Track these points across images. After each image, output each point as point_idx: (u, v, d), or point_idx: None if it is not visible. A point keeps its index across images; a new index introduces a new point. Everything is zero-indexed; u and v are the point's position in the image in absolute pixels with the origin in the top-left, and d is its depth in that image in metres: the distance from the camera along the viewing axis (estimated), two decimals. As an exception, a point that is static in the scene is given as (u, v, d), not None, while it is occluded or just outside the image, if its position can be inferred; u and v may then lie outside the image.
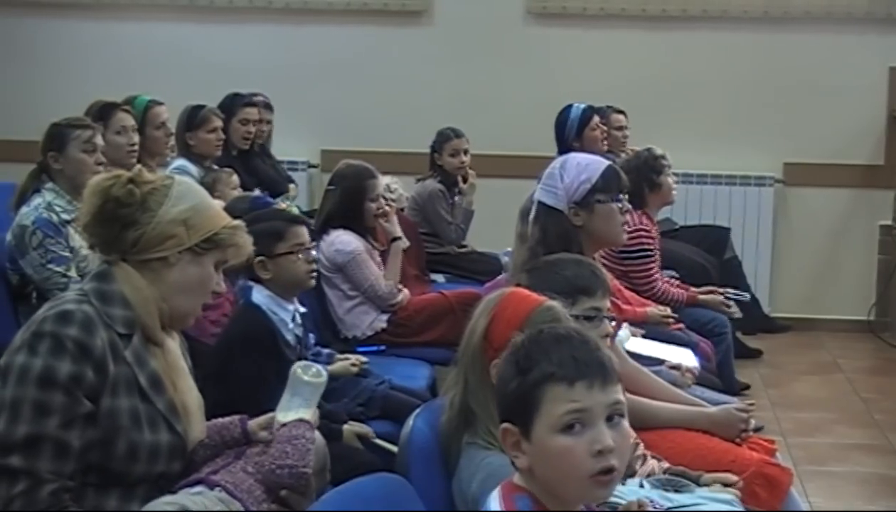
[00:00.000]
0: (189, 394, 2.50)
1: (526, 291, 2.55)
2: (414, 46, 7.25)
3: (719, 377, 4.58)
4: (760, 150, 7.07)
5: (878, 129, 7.06)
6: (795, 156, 7.08)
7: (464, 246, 6.02)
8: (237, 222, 2.54)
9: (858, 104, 7.04)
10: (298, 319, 3.48)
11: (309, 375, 2.67)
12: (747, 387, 5.59)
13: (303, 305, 3.58)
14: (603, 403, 1.91)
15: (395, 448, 2.75)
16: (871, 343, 6.85)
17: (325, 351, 4.03)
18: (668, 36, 7.10)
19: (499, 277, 3.85)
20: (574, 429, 1.89)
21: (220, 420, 2.63)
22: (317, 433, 2.69)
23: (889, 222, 6.99)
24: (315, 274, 3.56)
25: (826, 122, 7.04)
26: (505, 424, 1.96)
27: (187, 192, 2.48)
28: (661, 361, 3.90)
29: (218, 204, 2.72)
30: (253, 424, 2.62)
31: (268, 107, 6.25)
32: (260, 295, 3.41)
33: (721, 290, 5.24)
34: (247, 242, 2.53)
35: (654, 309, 4.72)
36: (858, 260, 7.12)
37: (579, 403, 1.89)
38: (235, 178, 5.08)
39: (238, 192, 4.90)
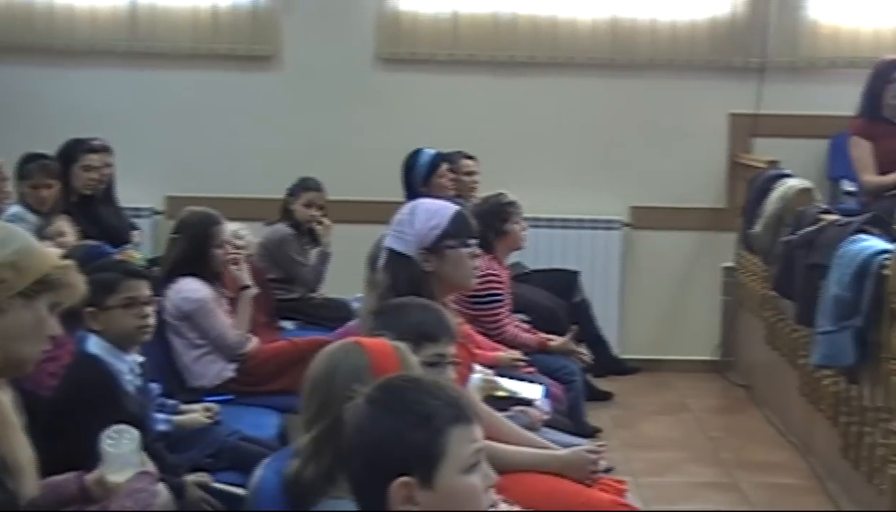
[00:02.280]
0: (21, 450, 2.39)
1: (380, 341, 2.51)
2: (262, 91, 7.19)
3: (570, 420, 4.62)
4: (608, 194, 7.20)
5: (720, 173, 7.26)
6: (642, 200, 7.24)
7: (313, 293, 5.95)
8: (67, 262, 2.45)
9: (701, 149, 7.24)
10: (137, 370, 3.38)
11: (114, 443, 2.59)
12: (599, 430, 5.64)
13: (146, 354, 3.48)
14: (483, 440, 1.97)
15: (240, 491, 2.68)
16: (717, 382, 7.00)
17: (170, 402, 3.92)
18: (517, 81, 7.20)
19: (349, 324, 3.81)
20: (475, 467, 1.93)
21: (57, 477, 2.52)
22: (161, 486, 2.60)
23: (731, 264, 7.18)
24: (149, 330, 3.46)
25: (671, 167, 7.22)
26: (403, 478, 1.90)
27: (10, 237, 2.39)
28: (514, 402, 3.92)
29: (54, 252, 2.63)
30: (90, 479, 2.52)
31: (107, 150, 6.09)
32: (95, 344, 3.31)
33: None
34: (79, 282, 2.44)
35: (504, 353, 4.74)
36: (703, 301, 7.29)
37: (480, 442, 1.94)
38: (71, 227, 4.93)
39: (75, 241, 4.75)
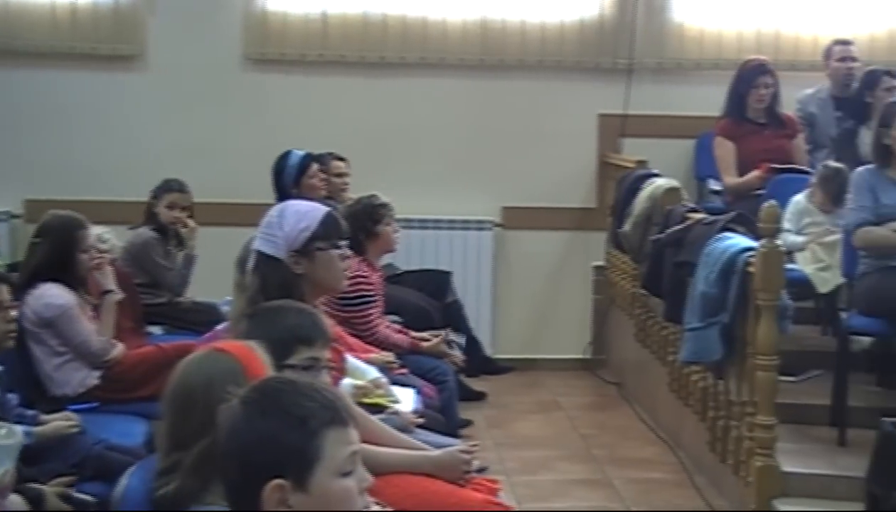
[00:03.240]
0: None
1: (239, 344, 2.45)
2: (126, 92, 7.03)
3: (443, 421, 4.61)
4: (479, 195, 7.22)
5: (590, 173, 7.34)
6: (513, 200, 7.27)
7: (179, 297, 5.83)
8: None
9: (571, 150, 7.30)
10: (-6, 379, 3.26)
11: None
12: (468, 423, 5.63)
13: (2, 363, 3.35)
14: (359, 443, 1.97)
15: (90, 498, 2.60)
16: (588, 380, 7.07)
17: (30, 412, 3.79)
18: (388, 82, 7.17)
19: (217, 328, 3.73)
20: (350, 470, 1.92)
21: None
22: (17, 497, 2.50)
23: (602, 263, 7.26)
24: (13, 334, 3.34)
25: (541, 167, 7.27)
26: (277, 481, 1.87)
27: None
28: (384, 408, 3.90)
29: None
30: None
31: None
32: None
33: (441, 331, 5.32)
34: None
35: (377, 355, 4.71)
36: (574, 300, 7.36)
37: (356, 444, 1.93)
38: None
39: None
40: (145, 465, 2.51)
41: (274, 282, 3.28)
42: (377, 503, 2.90)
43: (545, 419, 6.24)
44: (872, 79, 6.37)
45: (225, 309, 4.31)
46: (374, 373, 4.25)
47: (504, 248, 7.31)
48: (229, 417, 1.95)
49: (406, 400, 4.12)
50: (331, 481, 1.90)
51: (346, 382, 3.76)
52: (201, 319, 5.29)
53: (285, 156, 6.11)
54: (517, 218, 7.28)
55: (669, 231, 5.41)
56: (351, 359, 4.14)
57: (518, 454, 5.55)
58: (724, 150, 6.45)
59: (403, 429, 3.67)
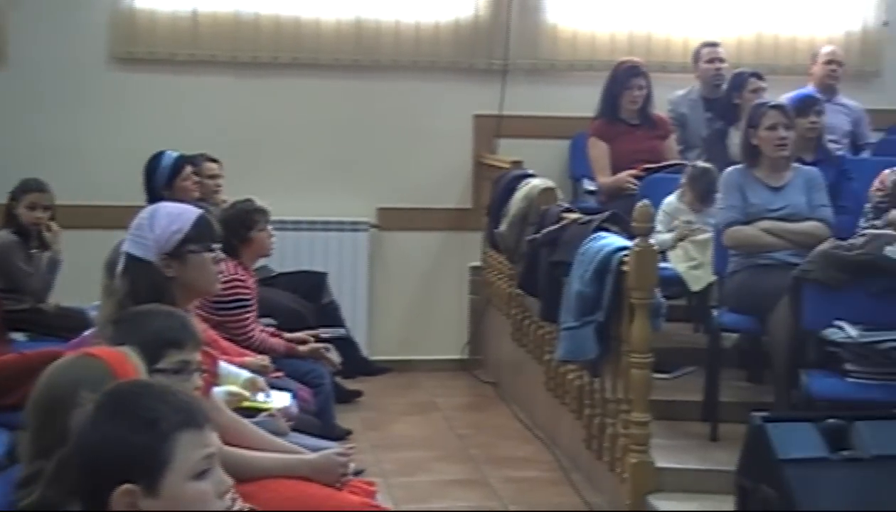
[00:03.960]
0: None
1: (110, 349, 2.39)
2: (-15, 89, 6.80)
3: (320, 424, 4.57)
4: (355, 196, 7.17)
5: (466, 173, 7.35)
6: (389, 201, 7.24)
7: (42, 302, 5.66)
8: None
9: (447, 150, 7.30)
10: None
11: None
12: (349, 433, 5.59)
13: None
14: (216, 446, 1.95)
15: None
16: (465, 380, 7.08)
17: None
18: (261, 82, 7.07)
19: (84, 334, 3.62)
20: (205, 473, 1.89)
21: None
22: None
23: (478, 263, 7.28)
24: None
25: (417, 168, 7.26)
26: (126, 486, 1.85)
27: None
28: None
29: None
30: None
31: None
32: None
33: (314, 331, 5.28)
34: None
35: (252, 359, 4.64)
36: (451, 301, 7.36)
37: (212, 447, 1.91)
38: None
39: None
40: (6, 476, 2.41)
41: (144, 285, 3.20)
42: (252, 509, 2.86)
43: (422, 420, 6.22)
44: (740, 81, 6.50)
45: (93, 314, 4.20)
46: (247, 375, 4.19)
47: (380, 249, 7.28)
48: (80, 421, 1.93)
49: (281, 403, 4.07)
50: (183, 485, 1.88)
51: (220, 389, 3.70)
52: (68, 324, 5.13)
53: (157, 157, 5.98)
54: (393, 219, 7.25)
55: (545, 231, 5.44)
56: (223, 364, 4.07)
57: (395, 456, 5.52)
58: (598, 151, 6.53)
59: (278, 432, 3.63)
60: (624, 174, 6.32)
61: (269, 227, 5.25)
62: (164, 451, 1.87)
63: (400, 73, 7.21)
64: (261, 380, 4.19)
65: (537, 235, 5.54)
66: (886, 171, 5.21)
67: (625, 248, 4.57)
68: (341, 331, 5.51)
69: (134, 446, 1.86)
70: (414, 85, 7.23)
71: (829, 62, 7.02)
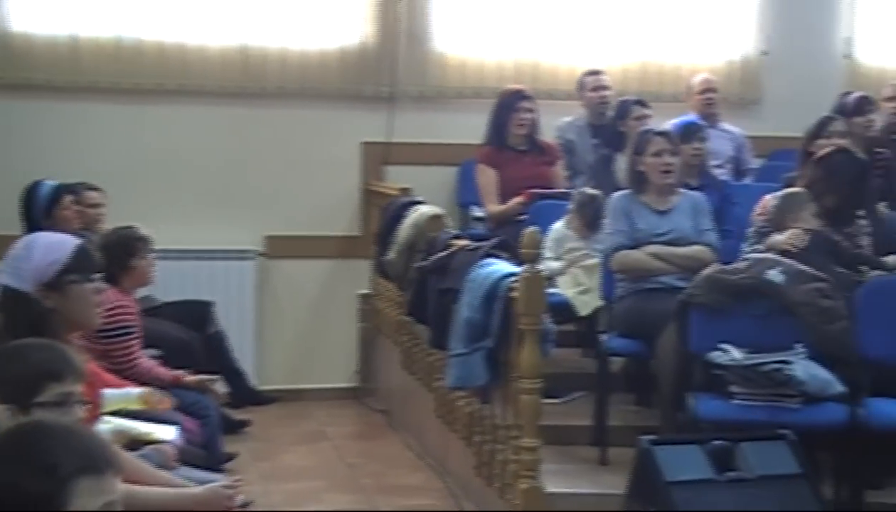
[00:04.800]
0: None
1: None
2: None
3: (207, 456, 4.48)
4: (242, 224, 7.08)
5: (354, 201, 7.32)
6: (276, 229, 7.16)
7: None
8: None
9: (335, 177, 7.26)
10: None
11: None
12: (233, 456, 5.48)
13: None
14: (118, 492, 1.90)
15: None
16: (355, 409, 7.02)
17: None
18: (144, 109, 6.94)
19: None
20: None
21: None
22: None
23: (367, 291, 7.24)
24: None
25: (305, 196, 7.20)
26: None
27: None
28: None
29: None
30: None
31: None
32: None
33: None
34: None
35: (137, 390, 4.52)
36: (341, 329, 7.30)
37: (112, 495, 1.84)
38: None
39: None
40: None
41: (22, 318, 3.14)
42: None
43: (311, 450, 6.15)
44: (625, 108, 6.60)
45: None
46: (138, 391, 4.12)
47: (267, 278, 7.19)
48: None
49: (167, 436, 3.98)
50: None
51: (105, 426, 3.62)
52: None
53: (34, 187, 5.84)
54: (280, 247, 7.17)
55: (433, 258, 5.43)
56: (109, 391, 3.98)
57: (284, 487, 5.44)
58: (486, 178, 6.55)
59: (164, 465, 3.55)
60: (513, 202, 6.36)
61: (151, 255, 5.14)
62: (61, 497, 1.79)
63: (287, 101, 7.15)
64: (156, 394, 4.12)
65: (426, 263, 5.53)
66: (768, 197, 5.31)
67: (513, 274, 4.57)
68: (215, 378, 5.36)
69: (28, 494, 1.78)
70: (301, 112, 7.18)
71: (703, 91, 7.18)
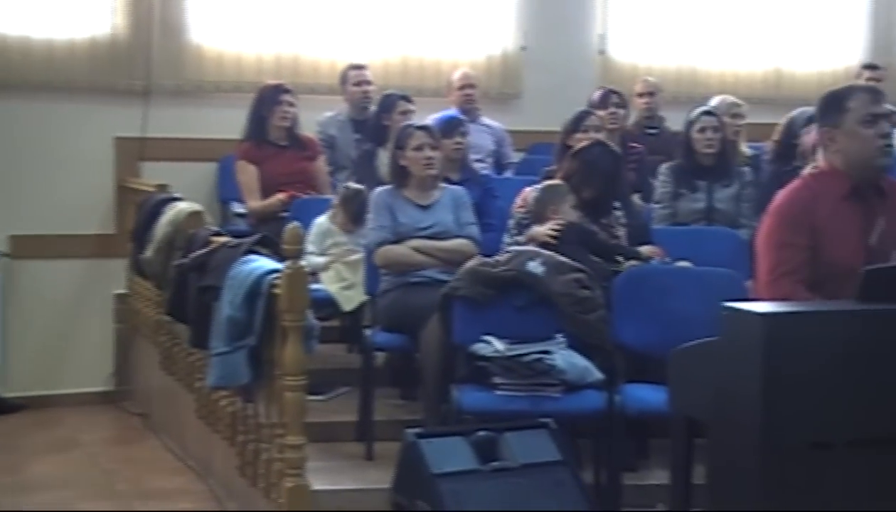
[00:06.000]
0: None
1: None
2: None
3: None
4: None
5: (108, 198, 7.04)
6: (23, 228, 6.83)
7: None
8: None
9: (87, 174, 6.96)
10: None
11: None
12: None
13: None
14: None
15: None
16: (111, 413, 6.76)
17: None
18: None
19: None
20: None
21: None
22: None
23: (124, 291, 6.98)
24: None
25: (54, 193, 6.88)
26: None
27: None
28: None
29: None
30: None
31: None
32: None
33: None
34: None
35: None
36: (96, 330, 7.01)
37: None
38: None
39: None
40: None
41: None
42: None
43: (63, 458, 5.87)
44: (389, 103, 6.59)
45: None
46: None
47: (13, 280, 6.82)
48: None
49: None
50: None
51: None
52: None
53: None
54: (28, 247, 6.83)
55: (193, 256, 5.28)
56: None
57: (34, 498, 5.17)
58: (247, 174, 6.43)
59: None
60: (274, 198, 6.26)
61: None
62: None
63: (33, 94, 6.80)
64: None
65: (185, 260, 5.37)
66: (528, 189, 5.40)
67: (276, 270, 4.48)
68: None
69: None
70: (48, 106, 6.85)
71: (463, 86, 7.26)
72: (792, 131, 6.27)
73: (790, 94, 8.24)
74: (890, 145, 3.84)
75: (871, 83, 6.35)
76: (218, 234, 5.52)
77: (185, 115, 7.13)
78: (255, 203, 6.35)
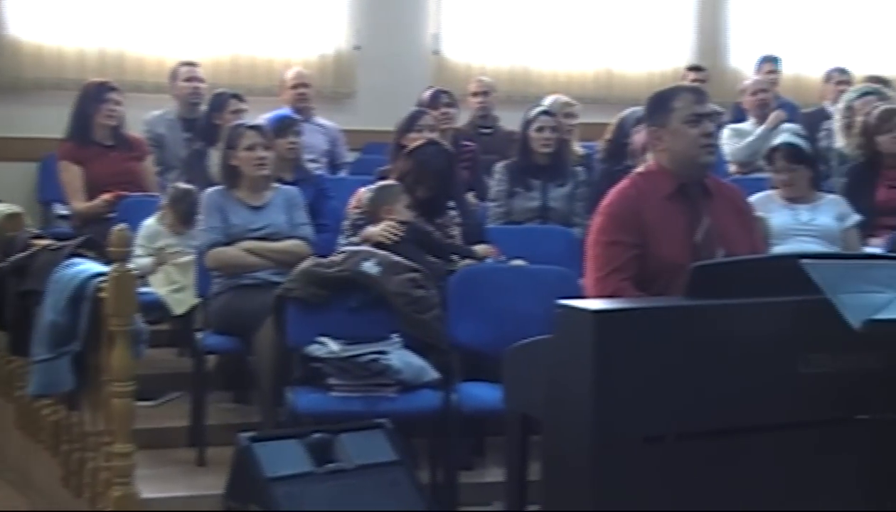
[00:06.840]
0: None
1: None
2: None
3: None
4: None
5: None
6: None
7: None
8: None
9: None
10: None
11: None
12: None
13: None
14: None
15: None
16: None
17: None
18: None
19: None
20: None
21: None
22: None
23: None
24: None
25: None
26: None
27: None
28: None
29: None
30: None
31: None
32: None
33: None
34: None
35: None
36: None
37: None
38: None
39: None
40: None
41: None
42: None
43: None
44: (220, 101, 6.48)
45: None
46: None
47: None
48: None
49: None
50: None
51: None
52: None
53: None
54: None
55: (12, 259, 5.08)
56: None
57: None
58: (70, 175, 6.24)
59: None
60: (99, 199, 6.08)
61: None
62: None
63: None
64: None
65: (4, 264, 5.16)
66: (362, 189, 5.37)
67: (101, 273, 4.34)
68: None
69: None
70: None
71: (296, 85, 7.17)
72: (623, 131, 6.38)
73: (621, 94, 8.41)
74: (713, 144, 3.94)
75: (696, 84, 6.54)
76: (39, 236, 5.32)
77: (2, 112, 6.89)
78: (80, 204, 6.16)
